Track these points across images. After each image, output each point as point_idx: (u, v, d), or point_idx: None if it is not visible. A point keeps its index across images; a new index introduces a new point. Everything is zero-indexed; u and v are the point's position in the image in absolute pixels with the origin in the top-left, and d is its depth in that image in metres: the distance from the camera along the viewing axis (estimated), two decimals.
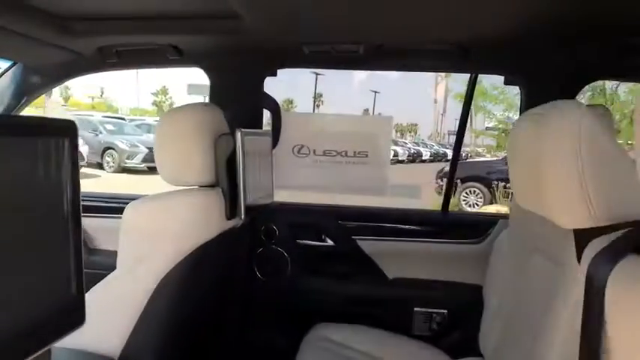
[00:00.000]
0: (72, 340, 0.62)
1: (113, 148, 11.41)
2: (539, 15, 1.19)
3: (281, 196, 1.91)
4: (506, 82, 1.70)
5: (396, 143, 19.40)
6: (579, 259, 0.71)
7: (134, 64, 1.80)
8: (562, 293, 0.98)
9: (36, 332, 0.56)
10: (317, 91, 26.77)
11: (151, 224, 1.20)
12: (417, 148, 19.95)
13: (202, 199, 1.25)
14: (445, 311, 1.76)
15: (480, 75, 1.89)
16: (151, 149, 9.22)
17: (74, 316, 0.62)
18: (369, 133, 1.87)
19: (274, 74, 1.75)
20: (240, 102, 1.70)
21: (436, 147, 21.26)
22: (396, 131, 33.99)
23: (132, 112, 23.96)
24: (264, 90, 1.76)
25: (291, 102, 24.30)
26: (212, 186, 1.32)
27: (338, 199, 1.94)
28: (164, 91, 27.76)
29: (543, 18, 1.21)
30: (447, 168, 9.23)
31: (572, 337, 0.96)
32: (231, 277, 1.75)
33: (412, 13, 1.26)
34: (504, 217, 1.64)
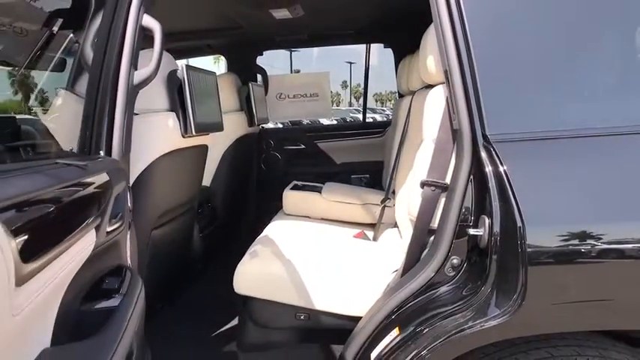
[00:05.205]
0: None
1: None
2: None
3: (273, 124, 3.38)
4: (384, 47, 3.14)
5: (374, 111, 20.85)
6: None
7: (186, 56, 3.20)
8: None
9: None
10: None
11: None
12: None
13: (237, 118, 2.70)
14: (368, 175, 3.25)
15: None
16: None
17: None
18: (317, 82, 3.32)
19: (261, 54, 3.18)
20: (244, 71, 3.12)
21: None
22: (376, 100, 35.40)
23: None
24: (257, 63, 3.20)
25: None
26: (239, 110, 2.77)
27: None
28: None
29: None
30: None
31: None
32: (247, 169, 3.22)
33: (332, 15, 2.65)
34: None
